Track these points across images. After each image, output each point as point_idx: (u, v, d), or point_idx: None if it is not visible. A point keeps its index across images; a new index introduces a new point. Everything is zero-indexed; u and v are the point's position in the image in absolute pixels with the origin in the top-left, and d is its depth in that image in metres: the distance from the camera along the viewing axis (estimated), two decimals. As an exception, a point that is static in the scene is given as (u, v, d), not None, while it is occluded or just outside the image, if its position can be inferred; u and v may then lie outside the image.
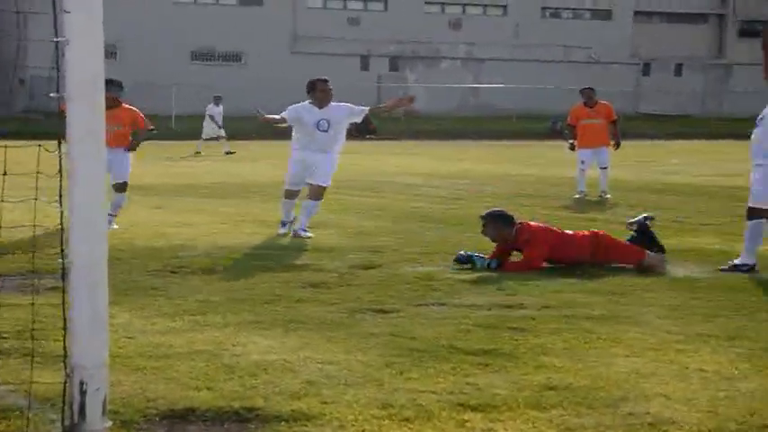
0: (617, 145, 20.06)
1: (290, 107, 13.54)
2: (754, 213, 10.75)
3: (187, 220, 14.70)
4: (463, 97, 65.75)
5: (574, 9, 70.04)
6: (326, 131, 13.32)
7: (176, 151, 33.74)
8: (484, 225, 10.99)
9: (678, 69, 72.18)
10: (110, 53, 62.02)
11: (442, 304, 8.77)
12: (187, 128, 47.74)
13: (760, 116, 10.77)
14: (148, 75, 52.85)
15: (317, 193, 13.44)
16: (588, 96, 20.17)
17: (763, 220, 10.58)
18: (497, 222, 10.92)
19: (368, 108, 13.96)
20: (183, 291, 9.21)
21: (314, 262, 11.01)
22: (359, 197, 18.77)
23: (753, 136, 10.83)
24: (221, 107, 36.90)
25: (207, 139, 35.92)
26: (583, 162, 19.83)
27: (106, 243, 4.58)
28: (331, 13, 66.45)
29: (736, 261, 10.61)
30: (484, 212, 11.31)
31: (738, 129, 48.40)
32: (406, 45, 66.90)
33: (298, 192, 13.66)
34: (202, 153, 34.21)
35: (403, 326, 7.80)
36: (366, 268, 10.58)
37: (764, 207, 10.60)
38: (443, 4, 68.15)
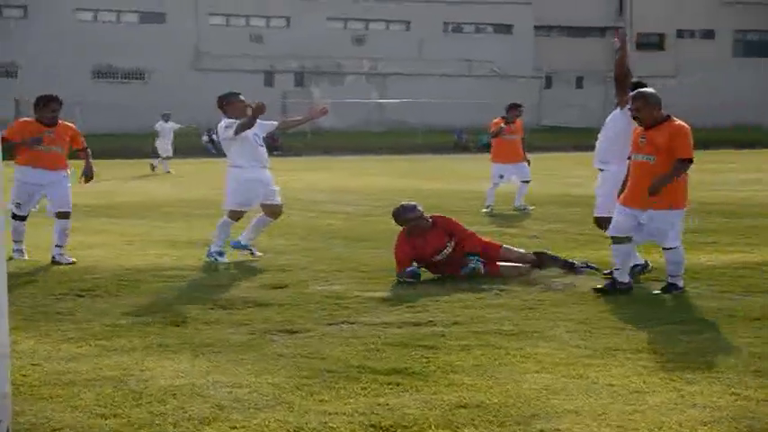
0: (527, 161, 20.34)
1: (230, 122, 12.64)
2: (601, 224, 11.03)
3: (96, 242, 14.49)
4: (368, 112, 65.90)
5: (476, 24, 70.65)
6: (262, 145, 12.91)
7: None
8: (402, 220, 11.31)
9: (579, 82, 73.21)
10: (10, 72, 61.40)
11: (352, 323, 8.75)
12: (92, 146, 47.08)
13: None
14: (49, 93, 51.67)
15: (278, 212, 13.08)
16: (517, 113, 20.24)
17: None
18: (408, 214, 11.25)
19: (277, 122, 13.72)
20: (89, 314, 9.06)
21: (223, 282, 10.92)
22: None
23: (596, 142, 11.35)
24: (171, 123, 36.54)
25: (166, 158, 35.55)
26: (501, 177, 20.02)
27: (4, 270, 4.47)
28: (234, 29, 66.12)
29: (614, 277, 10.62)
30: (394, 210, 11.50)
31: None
32: (310, 61, 66.87)
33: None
34: (172, 171, 34.23)
35: (313, 346, 7.76)
36: (275, 288, 10.52)
37: (609, 216, 10.50)
38: (346, 19, 68.22)
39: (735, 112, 68.83)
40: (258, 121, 12.67)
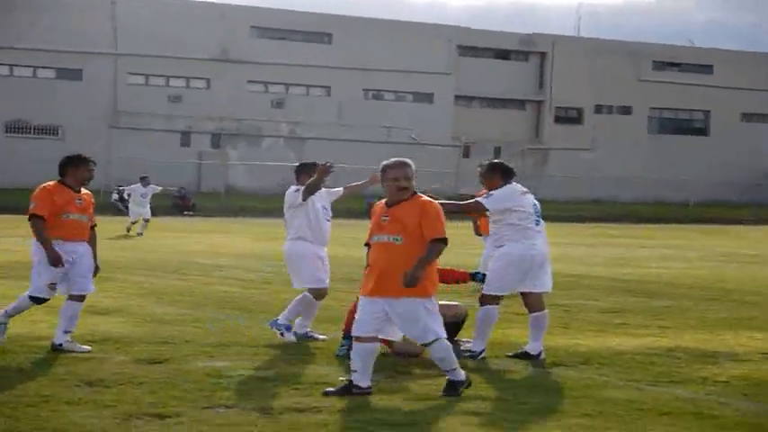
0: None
1: (299, 187, 11.44)
2: (485, 300, 10.61)
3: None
4: (285, 175, 65.14)
5: (396, 92, 70.58)
6: (329, 220, 11.78)
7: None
8: None
9: (497, 152, 73.24)
10: None
11: (230, 407, 7.97)
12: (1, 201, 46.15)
13: None
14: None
15: (324, 296, 11.72)
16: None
17: (495, 307, 10.49)
18: None
19: (342, 189, 12.39)
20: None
21: (95, 355, 10.06)
22: (162, 279, 17.81)
23: None
24: (150, 186, 33.21)
25: (135, 222, 32.50)
26: None
27: None
28: (152, 89, 65.27)
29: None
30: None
31: (556, 212, 49.18)
32: (228, 122, 66.18)
33: None
34: (143, 234, 31.42)
35: (180, 435, 6.98)
36: (152, 363, 9.70)
37: (495, 294, 10.50)
38: (267, 83, 67.73)
39: (650, 186, 69.35)
40: (325, 189, 11.60)
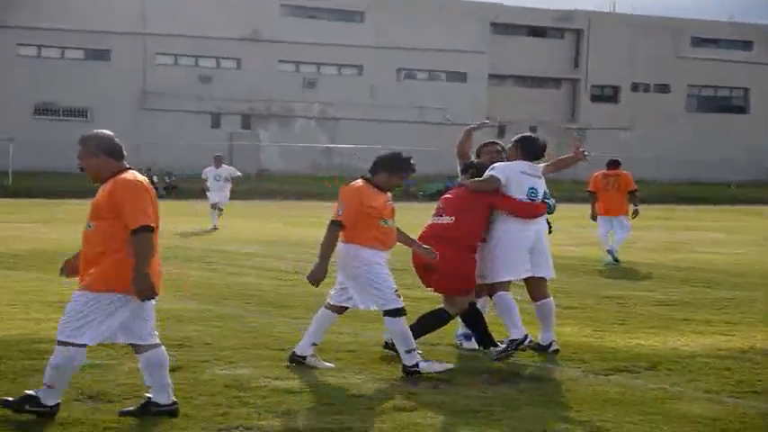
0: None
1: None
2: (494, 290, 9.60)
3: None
4: (317, 157, 64.19)
5: (429, 71, 69.33)
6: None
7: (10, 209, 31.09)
8: None
9: (533, 132, 72.01)
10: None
11: (248, 429, 6.89)
12: (26, 185, 45.50)
13: None
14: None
15: None
16: (614, 166, 20.27)
17: (507, 293, 9.47)
18: None
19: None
20: None
21: (103, 362, 8.97)
22: (184, 269, 16.63)
23: None
24: (224, 168, 29.25)
25: (213, 207, 28.28)
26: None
27: None
28: (183, 69, 64.34)
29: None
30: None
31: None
32: (259, 103, 65.16)
33: None
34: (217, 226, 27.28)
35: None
36: (165, 371, 8.61)
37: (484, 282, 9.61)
38: (298, 63, 66.63)
39: (689, 166, 67.89)
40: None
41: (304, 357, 8.96)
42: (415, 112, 67.21)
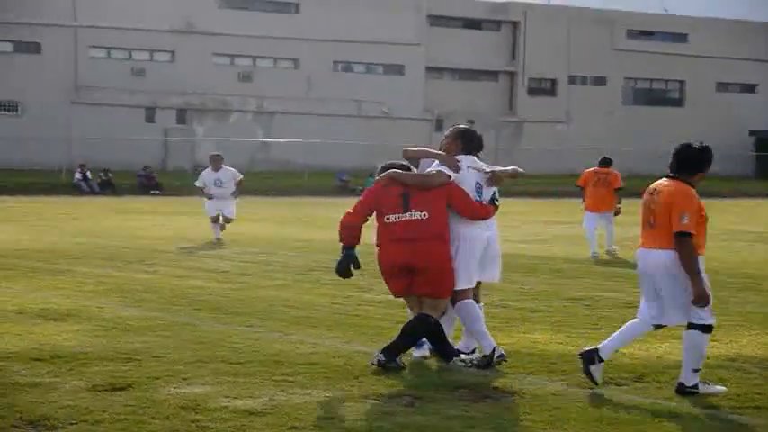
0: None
1: None
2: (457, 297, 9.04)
3: None
4: (254, 152, 63.19)
5: (366, 63, 68.63)
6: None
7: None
8: None
9: (470, 125, 71.65)
10: None
11: (211, 459, 6.17)
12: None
13: None
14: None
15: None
16: (606, 165, 21.38)
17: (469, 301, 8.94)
18: None
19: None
20: None
21: (44, 379, 8.16)
22: (125, 272, 15.82)
23: None
24: (224, 170, 23.56)
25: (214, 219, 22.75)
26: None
27: None
28: (115, 62, 62.96)
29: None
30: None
31: (532, 186, 47.49)
32: (194, 97, 64.01)
33: None
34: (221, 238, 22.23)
35: None
36: (113, 390, 7.84)
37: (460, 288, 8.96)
38: (233, 56, 65.57)
39: (626, 159, 67.90)
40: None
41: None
42: (352, 105, 66.51)
